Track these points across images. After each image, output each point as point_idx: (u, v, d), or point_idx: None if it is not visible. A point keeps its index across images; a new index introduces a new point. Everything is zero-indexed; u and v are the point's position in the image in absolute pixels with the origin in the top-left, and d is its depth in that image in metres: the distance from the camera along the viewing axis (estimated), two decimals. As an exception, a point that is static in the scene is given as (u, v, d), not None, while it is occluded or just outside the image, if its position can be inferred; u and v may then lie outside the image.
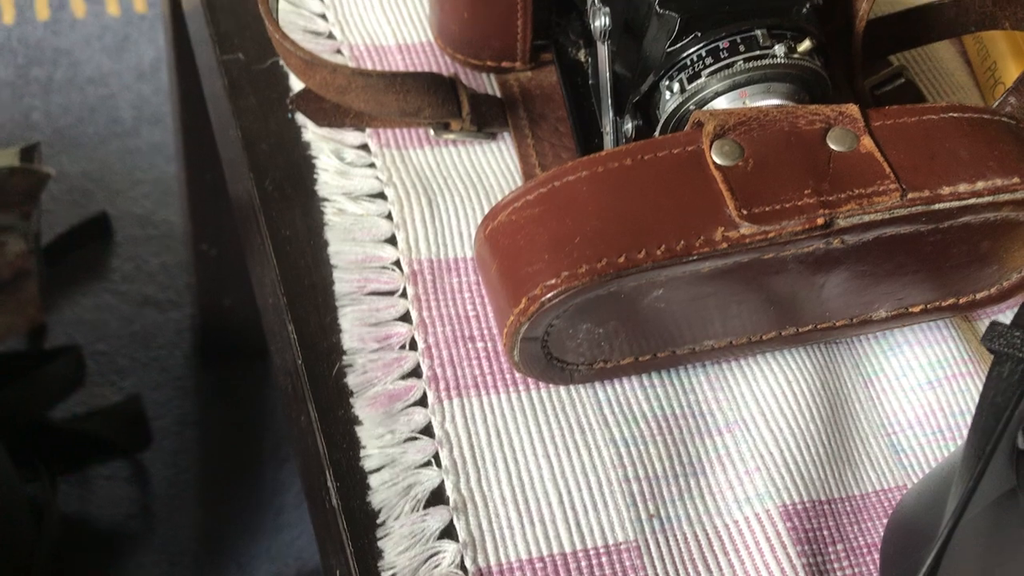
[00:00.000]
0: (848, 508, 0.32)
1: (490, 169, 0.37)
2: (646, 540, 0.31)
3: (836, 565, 0.31)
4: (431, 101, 0.35)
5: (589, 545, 0.30)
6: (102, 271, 0.95)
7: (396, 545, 0.29)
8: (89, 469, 0.83)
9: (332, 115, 0.36)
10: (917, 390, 0.34)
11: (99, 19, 1.14)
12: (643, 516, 0.31)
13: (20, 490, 0.67)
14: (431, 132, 0.38)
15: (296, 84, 0.38)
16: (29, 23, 1.11)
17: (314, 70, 0.34)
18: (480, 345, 0.33)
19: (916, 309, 0.34)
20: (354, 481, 0.30)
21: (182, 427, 0.88)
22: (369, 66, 0.40)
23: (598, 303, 0.29)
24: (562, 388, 0.33)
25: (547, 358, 0.31)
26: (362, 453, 0.31)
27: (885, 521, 0.32)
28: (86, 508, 0.83)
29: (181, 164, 0.73)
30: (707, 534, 0.31)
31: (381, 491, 0.30)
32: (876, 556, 0.31)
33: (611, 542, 0.30)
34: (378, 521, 0.30)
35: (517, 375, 0.33)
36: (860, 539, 0.31)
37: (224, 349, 0.90)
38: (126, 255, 0.97)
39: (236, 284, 0.82)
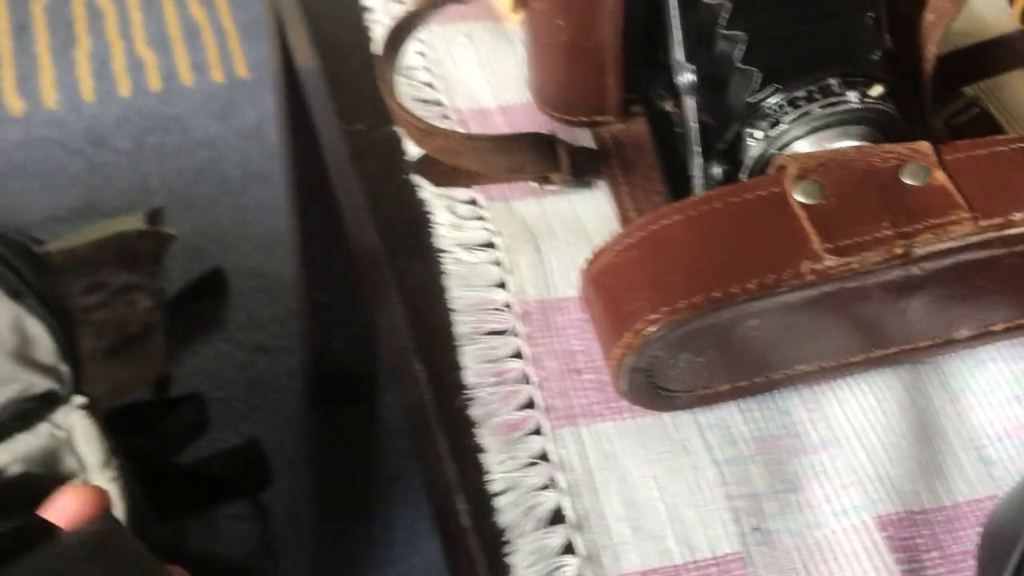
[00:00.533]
0: (941, 518, 0.34)
1: (589, 215, 0.41)
2: (750, 552, 0.33)
3: (932, 572, 0.33)
4: (534, 158, 0.39)
5: (698, 557, 0.33)
6: (218, 322, 1.01)
7: (523, 560, 0.32)
8: (214, 509, 0.88)
9: (446, 176, 0.40)
10: (1004, 404, 0.36)
11: (205, 86, 1.22)
12: (746, 530, 0.34)
13: (158, 531, 0.73)
14: (534, 184, 0.41)
15: (412, 149, 0.42)
16: (143, 94, 1.20)
17: (431, 137, 0.38)
18: (588, 377, 0.37)
19: (998, 328, 0.36)
20: (482, 503, 0.34)
21: (297, 467, 0.93)
22: (474, 128, 0.44)
23: (696, 334, 0.32)
24: (666, 414, 0.36)
25: (651, 387, 0.34)
26: (488, 478, 0.34)
27: (979, 530, 0.34)
28: (213, 546, 0.89)
29: (294, 218, 0.78)
30: (807, 545, 0.33)
31: (507, 512, 0.33)
32: (971, 563, 0.33)
33: (718, 554, 0.33)
34: (506, 539, 0.33)
35: (623, 403, 0.36)
36: (954, 547, 0.33)
37: (333, 391, 0.95)
38: (239, 306, 1.03)
39: (345, 329, 0.87)
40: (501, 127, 0.44)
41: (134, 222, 0.85)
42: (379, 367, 0.96)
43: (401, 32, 0.39)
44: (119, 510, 0.69)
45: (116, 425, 0.76)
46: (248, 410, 0.95)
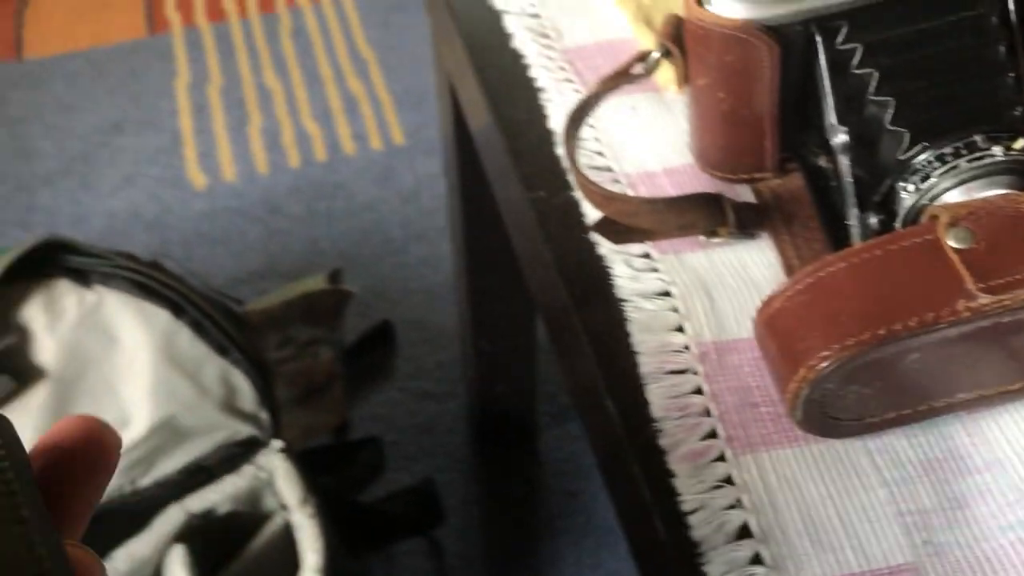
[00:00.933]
0: (1106, 531, 0.37)
1: (754, 263, 0.46)
2: (923, 563, 0.37)
3: (1100, 581, 0.36)
4: (703, 215, 0.44)
5: (874, 566, 0.37)
6: (388, 371, 1.09)
7: (717, 569, 0.37)
8: (393, 545, 0.95)
9: (623, 234, 0.46)
10: None
11: (366, 154, 1.32)
12: (918, 543, 0.37)
13: (348, 565, 0.80)
14: (701, 238, 0.46)
15: (590, 211, 0.48)
16: (311, 164, 1.31)
17: (610, 202, 0.44)
18: (764, 409, 0.41)
19: None
20: (677, 521, 0.38)
21: (467, 505, 0.99)
22: (642, 189, 0.49)
23: (863, 368, 0.36)
24: (837, 441, 0.40)
25: (824, 417, 0.38)
26: (680, 499, 0.39)
27: None
28: (392, 580, 0.96)
29: (461, 274, 0.85)
30: (976, 557, 0.37)
31: (700, 528, 0.38)
32: None
33: (892, 564, 0.37)
34: (700, 552, 0.38)
35: (798, 432, 0.40)
36: (1120, 558, 0.36)
37: (497, 433, 1.01)
38: (406, 356, 1.11)
39: (507, 375, 0.93)
40: (667, 188, 0.49)
41: (317, 282, 0.94)
42: (539, 410, 1.02)
43: (582, 112, 0.45)
44: (317, 544, 0.76)
45: (305, 467, 0.84)
46: (419, 453, 1.02)
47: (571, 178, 0.50)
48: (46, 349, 0.76)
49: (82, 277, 0.78)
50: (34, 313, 0.76)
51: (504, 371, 0.93)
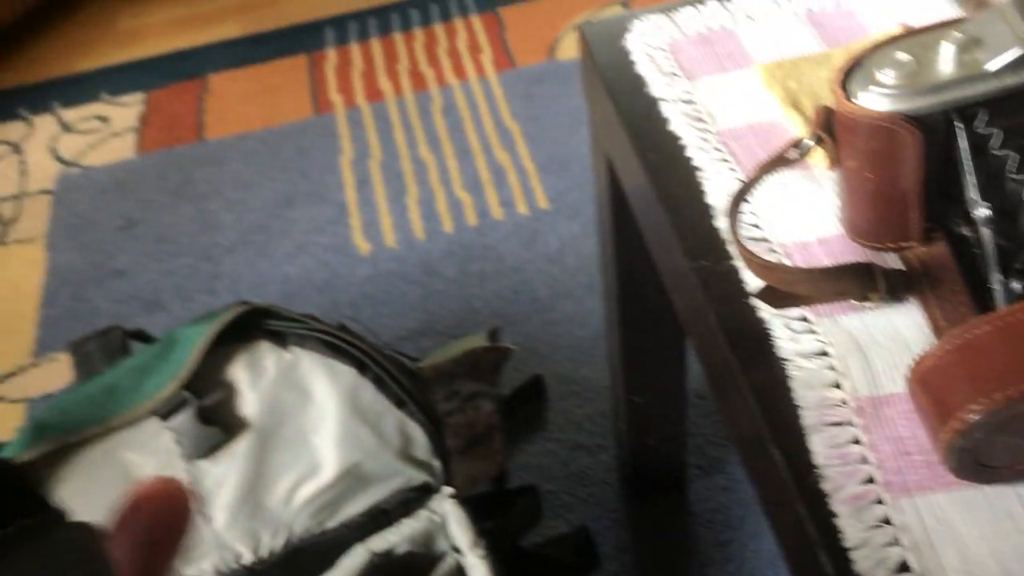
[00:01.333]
0: None
1: (904, 325, 0.50)
2: (1076, 599, 0.40)
3: None
4: (856, 283, 0.49)
5: (1029, 601, 0.40)
6: (541, 423, 1.16)
7: (880, 600, 0.41)
8: (552, 588, 1.01)
9: (782, 300, 0.51)
10: None
11: (513, 219, 1.40)
12: (1071, 581, 0.41)
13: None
14: (854, 302, 0.51)
15: (750, 278, 0.54)
16: (463, 229, 1.40)
17: (771, 272, 0.49)
18: (918, 458, 0.45)
19: None
20: (840, 556, 0.43)
21: (620, 553, 1.04)
22: (797, 258, 0.55)
23: (1011, 420, 0.40)
24: (988, 486, 0.44)
25: (975, 464, 0.42)
26: (842, 536, 0.44)
27: None
28: (549, 622, 1.01)
29: (614, 330, 0.91)
30: None
31: (862, 562, 0.43)
32: None
33: (1047, 599, 0.40)
34: (863, 584, 0.42)
35: (950, 477, 0.44)
36: None
37: (647, 484, 1.06)
38: (557, 409, 1.17)
39: (658, 427, 0.98)
40: (820, 255, 0.54)
41: (479, 340, 1.02)
42: (688, 462, 1.06)
43: (743, 193, 0.51)
44: (489, 583, 0.83)
45: (472, 512, 0.90)
46: (573, 502, 1.08)
47: (731, 249, 0.56)
48: (249, 403, 0.86)
49: (280, 339, 0.87)
50: (239, 372, 0.86)
51: (655, 423, 0.98)
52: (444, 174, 1.48)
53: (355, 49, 1.74)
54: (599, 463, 1.11)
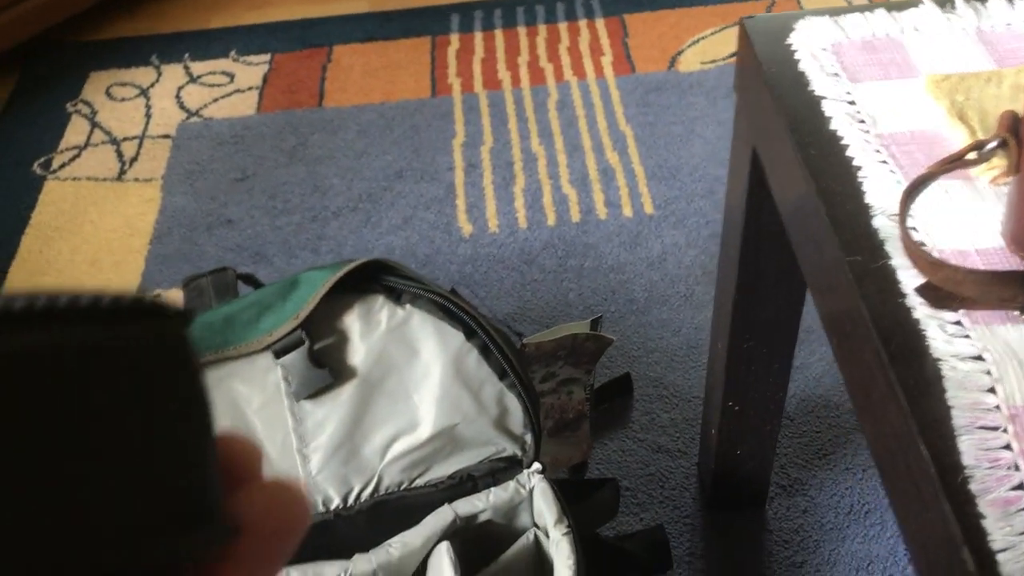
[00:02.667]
0: None
1: (1064, 342, 0.50)
2: None
3: None
4: (1022, 291, 0.49)
5: None
6: (625, 420, 1.16)
7: (1026, 601, 0.41)
8: (621, 583, 1.01)
9: (944, 300, 0.51)
10: None
11: (617, 220, 1.41)
12: None
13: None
14: (1015, 313, 0.51)
15: (904, 277, 0.53)
16: (566, 224, 1.41)
17: (938, 269, 0.49)
18: (1072, 470, 0.45)
19: None
20: (986, 557, 0.43)
21: (692, 558, 1.03)
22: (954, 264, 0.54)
23: None
24: None
25: None
26: (989, 538, 0.43)
27: None
28: (612, 617, 1.01)
29: (722, 335, 0.91)
30: None
31: (1007, 565, 0.42)
32: None
33: None
34: (1008, 584, 0.42)
35: (1107, 494, 0.43)
36: None
37: (727, 494, 1.05)
38: (642, 410, 1.17)
39: (750, 437, 0.98)
40: (978, 265, 0.54)
41: (583, 327, 1.02)
42: (770, 479, 1.06)
43: (917, 187, 0.51)
44: (570, 560, 0.83)
45: (559, 491, 0.91)
46: (649, 501, 1.08)
47: (888, 248, 0.56)
48: (358, 353, 0.88)
49: (395, 295, 0.89)
50: (353, 321, 0.88)
51: (746, 433, 0.98)
52: (553, 168, 1.50)
53: (478, 37, 1.77)
54: (679, 468, 1.11)
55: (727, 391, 0.95)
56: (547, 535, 0.87)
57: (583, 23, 1.77)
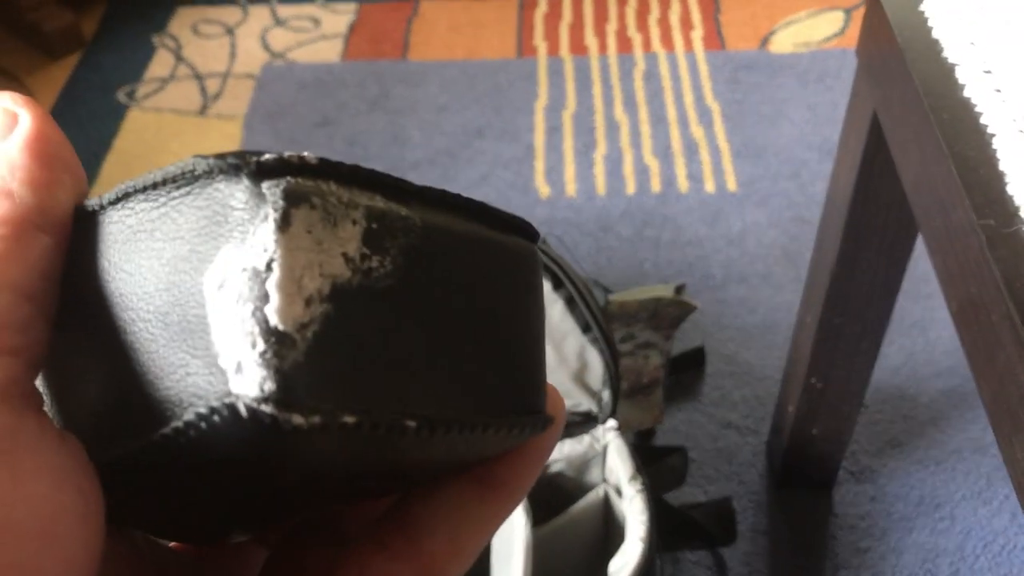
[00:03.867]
0: None
1: None
2: None
3: None
4: None
5: None
6: (695, 394, 1.15)
7: None
8: (684, 551, 1.00)
9: (1087, 266, 0.49)
10: None
11: (698, 194, 1.39)
12: None
13: (655, 552, 0.85)
14: None
15: (1043, 244, 0.52)
16: (645, 194, 1.40)
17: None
18: None
19: None
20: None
21: (755, 534, 1.02)
22: (1096, 236, 0.52)
23: None
24: None
25: None
26: None
27: None
28: (670, 585, 1.00)
29: (812, 308, 0.89)
30: None
31: None
32: None
33: None
34: None
35: None
36: None
37: (796, 474, 1.04)
38: (713, 384, 1.16)
39: (828, 417, 0.96)
40: (1121, 239, 0.52)
41: (667, 290, 1.01)
42: (843, 462, 1.04)
43: (1066, 151, 0.49)
44: (643, 516, 0.82)
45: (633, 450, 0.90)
46: (716, 475, 1.07)
47: (1023, 213, 0.54)
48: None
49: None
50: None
51: (825, 413, 0.96)
52: (636, 137, 1.48)
53: (567, 1, 1.75)
54: (748, 445, 1.10)
55: (810, 366, 0.93)
56: (617, 492, 0.87)
57: (674, -4, 1.75)
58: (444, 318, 0.19)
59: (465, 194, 0.20)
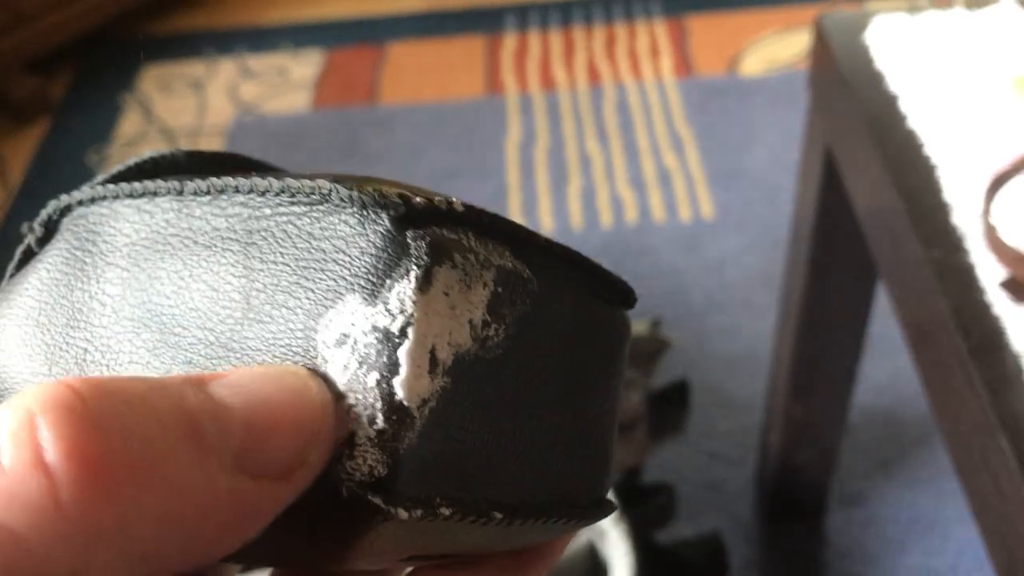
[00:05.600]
0: None
1: None
2: None
3: None
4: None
5: None
6: (681, 427, 1.14)
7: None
8: (673, 589, 0.99)
9: (1029, 296, 0.49)
10: None
11: (675, 223, 1.39)
12: None
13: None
14: (1107, 313, 0.48)
15: (984, 273, 0.51)
16: (621, 226, 1.40)
17: (1021, 264, 0.47)
18: None
19: None
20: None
21: (749, 567, 1.01)
22: (1042, 262, 0.52)
23: None
24: None
25: None
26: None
27: None
28: (664, 624, 0.99)
29: (787, 337, 0.89)
30: None
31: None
32: None
33: None
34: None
35: None
36: None
37: (785, 504, 1.03)
38: (699, 417, 1.15)
39: (811, 445, 0.95)
40: (1068, 264, 0.52)
41: (642, 326, 1.01)
42: (832, 488, 1.03)
43: (999, 183, 0.49)
44: (627, 560, 0.81)
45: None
46: (705, 508, 1.06)
47: (967, 244, 0.54)
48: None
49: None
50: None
51: (808, 440, 0.95)
52: (609, 169, 1.48)
53: (534, 37, 1.76)
54: (736, 476, 1.09)
55: (791, 395, 0.93)
56: (602, 536, 0.86)
57: (641, 24, 1.76)
58: (541, 396, 0.17)
59: None
